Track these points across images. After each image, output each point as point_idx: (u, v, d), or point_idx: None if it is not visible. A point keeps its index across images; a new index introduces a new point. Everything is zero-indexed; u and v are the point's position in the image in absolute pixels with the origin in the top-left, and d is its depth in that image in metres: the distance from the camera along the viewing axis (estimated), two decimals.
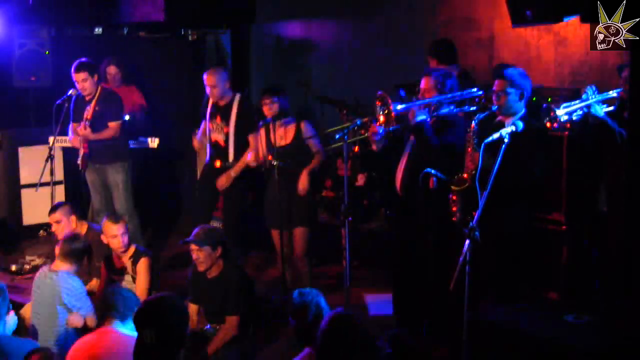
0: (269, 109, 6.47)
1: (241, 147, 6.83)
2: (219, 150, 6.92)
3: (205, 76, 6.85)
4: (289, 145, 6.50)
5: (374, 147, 5.67)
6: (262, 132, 6.68)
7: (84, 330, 5.35)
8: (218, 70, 6.91)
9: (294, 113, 6.74)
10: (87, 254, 5.67)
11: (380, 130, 5.44)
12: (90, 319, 5.40)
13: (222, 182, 6.84)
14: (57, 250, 5.59)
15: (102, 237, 5.97)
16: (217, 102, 6.90)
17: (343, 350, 3.54)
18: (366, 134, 6.73)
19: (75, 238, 5.62)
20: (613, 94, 5.35)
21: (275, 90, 6.55)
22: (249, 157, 6.74)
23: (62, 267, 5.48)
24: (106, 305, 4.73)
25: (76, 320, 5.37)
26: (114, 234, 5.89)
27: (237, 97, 6.92)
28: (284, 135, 6.52)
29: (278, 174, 6.32)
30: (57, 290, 5.34)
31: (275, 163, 6.26)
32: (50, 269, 5.50)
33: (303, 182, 6.45)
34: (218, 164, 6.90)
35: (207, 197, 7.09)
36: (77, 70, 7.25)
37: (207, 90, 6.84)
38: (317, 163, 6.55)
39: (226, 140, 6.87)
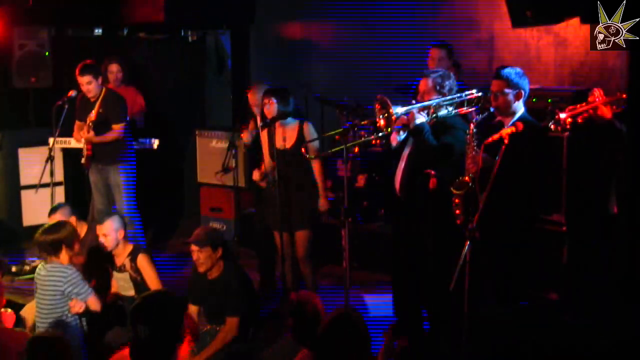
0: (267, 109, 6.39)
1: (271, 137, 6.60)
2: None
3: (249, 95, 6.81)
4: (292, 147, 6.38)
5: (394, 142, 5.65)
6: (264, 134, 6.57)
7: (90, 314, 5.53)
8: (261, 86, 6.84)
9: (297, 114, 6.60)
10: (63, 242, 5.58)
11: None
12: (92, 302, 5.53)
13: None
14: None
15: None
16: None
17: (342, 349, 3.55)
18: (366, 137, 6.74)
19: (47, 231, 5.61)
20: (622, 95, 5.32)
21: (273, 91, 6.45)
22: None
23: (52, 259, 5.55)
24: None
25: (77, 307, 5.48)
26: (100, 234, 5.94)
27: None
28: (286, 137, 6.41)
29: (279, 176, 6.31)
30: (52, 280, 5.43)
31: (308, 156, 6.16)
32: (45, 262, 5.60)
33: (323, 204, 6.44)
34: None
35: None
36: (82, 73, 7.23)
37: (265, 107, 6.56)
38: (318, 169, 6.44)
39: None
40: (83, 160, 7.42)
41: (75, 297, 5.47)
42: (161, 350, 3.54)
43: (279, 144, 6.39)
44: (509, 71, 5.20)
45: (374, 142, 7.06)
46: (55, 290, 5.44)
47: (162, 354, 3.54)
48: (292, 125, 6.44)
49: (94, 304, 5.55)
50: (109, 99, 7.38)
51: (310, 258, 6.49)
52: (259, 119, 6.85)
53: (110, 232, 5.90)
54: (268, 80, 6.99)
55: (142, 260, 5.90)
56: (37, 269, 5.65)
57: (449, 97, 5.48)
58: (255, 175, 6.72)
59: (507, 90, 5.15)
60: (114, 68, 8.36)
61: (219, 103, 9.59)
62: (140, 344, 3.53)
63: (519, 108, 5.20)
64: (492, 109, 5.20)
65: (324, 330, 3.63)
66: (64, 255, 5.54)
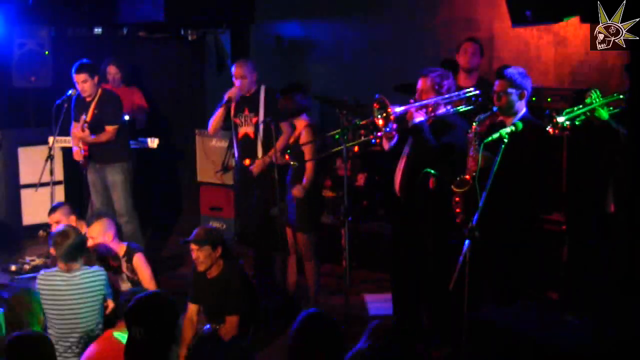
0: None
1: (270, 137, 6.59)
2: (248, 144, 6.84)
3: (234, 68, 6.87)
4: (293, 145, 6.43)
5: (386, 146, 5.65)
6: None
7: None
8: (246, 62, 6.94)
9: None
10: (84, 246, 5.47)
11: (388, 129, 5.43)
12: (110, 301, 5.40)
13: (256, 167, 6.75)
14: (53, 252, 5.44)
15: None
16: (243, 94, 6.89)
17: (314, 350, 3.53)
18: (367, 137, 6.75)
19: (65, 236, 5.31)
20: (619, 95, 5.32)
21: (282, 90, 6.54)
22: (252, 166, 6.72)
23: (74, 266, 5.28)
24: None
25: (111, 305, 5.35)
26: (89, 236, 5.89)
27: (263, 87, 6.90)
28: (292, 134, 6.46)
29: (278, 174, 6.31)
30: (92, 286, 5.23)
31: (292, 163, 6.19)
32: (61, 270, 5.28)
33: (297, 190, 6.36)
34: (247, 162, 6.81)
35: (249, 199, 6.95)
36: (78, 71, 7.25)
37: (236, 82, 6.80)
38: (309, 169, 6.39)
39: (255, 132, 6.81)
40: (81, 161, 7.43)
41: (108, 297, 5.33)
42: (156, 351, 3.54)
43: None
44: (512, 71, 5.22)
45: (372, 142, 7.09)
46: (97, 295, 5.21)
47: (157, 354, 3.54)
48: (301, 120, 6.48)
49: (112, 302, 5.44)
50: (105, 100, 7.38)
51: (312, 259, 6.49)
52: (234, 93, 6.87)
53: (98, 235, 5.88)
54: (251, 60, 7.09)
55: (138, 261, 5.89)
56: (51, 280, 5.27)
57: (447, 96, 5.49)
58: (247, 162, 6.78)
59: (510, 90, 5.17)
60: (112, 70, 8.39)
61: (219, 102, 9.58)
62: (135, 345, 3.55)
63: (521, 108, 5.21)
64: (494, 109, 5.21)
65: (294, 331, 3.61)
66: (82, 259, 5.36)
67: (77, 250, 5.33)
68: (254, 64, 6.95)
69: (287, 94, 6.49)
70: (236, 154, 7.03)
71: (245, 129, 6.89)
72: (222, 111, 6.88)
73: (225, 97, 6.81)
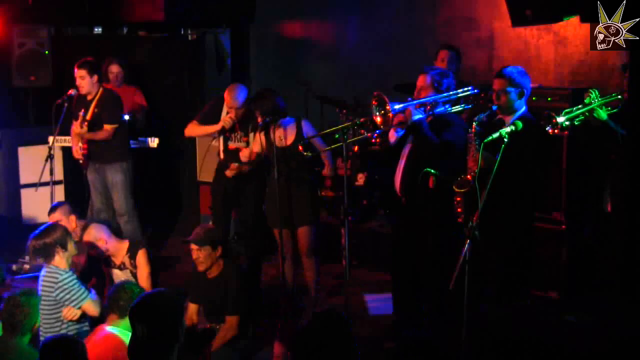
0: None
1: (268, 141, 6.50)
2: (238, 155, 6.76)
3: (225, 95, 6.68)
4: (291, 146, 6.33)
5: (392, 138, 5.64)
6: (261, 133, 6.50)
7: (92, 319, 5.28)
8: (239, 90, 6.71)
9: (289, 113, 6.61)
10: (56, 245, 5.33)
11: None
12: (88, 307, 5.21)
13: (231, 171, 6.70)
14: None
15: None
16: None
17: (322, 350, 3.48)
18: (365, 135, 6.73)
19: (38, 236, 5.34)
20: (617, 95, 5.32)
21: (261, 93, 6.43)
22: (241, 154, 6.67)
23: (49, 263, 5.34)
24: (110, 300, 4.77)
25: (70, 314, 5.18)
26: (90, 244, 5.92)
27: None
28: (284, 136, 6.36)
29: (278, 173, 6.27)
30: (46, 285, 5.22)
31: (306, 153, 6.12)
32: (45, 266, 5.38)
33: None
34: (234, 166, 6.76)
35: (224, 200, 6.96)
36: (79, 67, 7.28)
37: (229, 108, 6.66)
38: (328, 164, 6.50)
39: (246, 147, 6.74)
40: (80, 160, 7.43)
41: (68, 303, 5.17)
42: (159, 349, 3.55)
43: (277, 142, 6.35)
44: (511, 70, 5.22)
45: (372, 140, 7.08)
46: (49, 295, 5.16)
47: (160, 353, 3.55)
48: (290, 124, 6.42)
49: (91, 308, 5.21)
50: (105, 99, 7.38)
51: (313, 255, 6.39)
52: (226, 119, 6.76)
53: (92, 244, 5.89)
54: (244, 85, 6.89)
55: (140, 257, 5.89)
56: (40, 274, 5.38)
57: (445, 94, 5.49)
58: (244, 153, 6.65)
59: (509, 89, 5.17)
60: (114, 68, 8.36)
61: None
62: (138, 343, 3.55)
63: (521, 106, 5.21)
64: (494, 108, 5.21)
65: (305, 329, 3.54)
66: (59, 259, 5.31)
67: (41, 249, 5.30)
68: (245, 88, 6.78)
69: (266, 96, 6.40)
70: (222, 156, 6.94)
71: (236, 144, 6.82)
72: (209, 132, 6.81)
73: (220, 127, 6.69)
